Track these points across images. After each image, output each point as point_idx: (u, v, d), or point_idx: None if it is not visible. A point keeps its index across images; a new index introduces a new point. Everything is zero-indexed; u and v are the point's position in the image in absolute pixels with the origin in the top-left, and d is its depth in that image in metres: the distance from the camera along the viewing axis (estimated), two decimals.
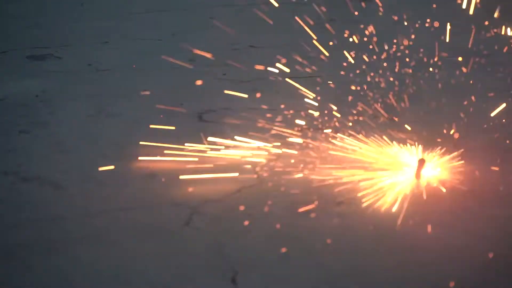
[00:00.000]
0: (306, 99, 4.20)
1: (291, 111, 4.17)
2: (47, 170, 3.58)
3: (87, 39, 5.53)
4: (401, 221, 3.14)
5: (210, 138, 3.80)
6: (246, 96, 4.32)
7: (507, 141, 3.92)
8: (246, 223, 3.15)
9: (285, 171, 3.59)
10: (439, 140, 3.83)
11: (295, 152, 3.75)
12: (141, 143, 3.77)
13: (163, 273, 2.83)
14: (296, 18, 4.94)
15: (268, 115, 4.13)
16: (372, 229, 3.10)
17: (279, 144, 3.81)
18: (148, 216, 3.22)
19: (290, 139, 3.86)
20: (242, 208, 3.25)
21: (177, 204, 3.29)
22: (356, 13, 5.47)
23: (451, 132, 3.93)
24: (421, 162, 3.55)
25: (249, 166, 3.62)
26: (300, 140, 3.85)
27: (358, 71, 4.70)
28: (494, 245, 3.00)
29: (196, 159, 3.67)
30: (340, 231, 3.10)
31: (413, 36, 5.17)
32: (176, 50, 5.03)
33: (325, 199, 3.32)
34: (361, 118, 4.12)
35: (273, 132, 3.94)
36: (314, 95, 4.22)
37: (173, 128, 3.97)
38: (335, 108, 4.12)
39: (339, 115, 4.08)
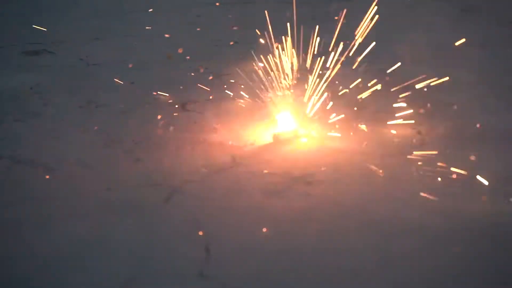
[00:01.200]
0: None
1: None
2: (40, 155, 3.86)
3: (79, 36, 5.80)
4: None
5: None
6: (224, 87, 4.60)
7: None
8: (222, 201, 3.44)
9: (259, 155, 3.87)
10: None
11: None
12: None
13: (143, 243, 3.12)
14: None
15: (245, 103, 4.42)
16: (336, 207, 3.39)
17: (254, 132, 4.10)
18: (131, 195, 3.51)
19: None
20: (218, 188, 3.54)
21: (158, 184, 3.57)
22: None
23: None
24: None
25: (227, 151, 3.90)
26: None
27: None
28: None
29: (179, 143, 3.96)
30: (307, 209, 3.38)
31: None
32: (161, 47, 5.33)
33: (295, 180, 3.61)
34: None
35: (250, 121, 4.24)
36: None
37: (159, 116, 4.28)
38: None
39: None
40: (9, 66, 5.16)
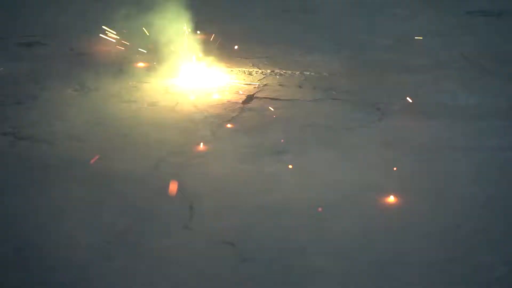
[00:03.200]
0: None
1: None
2: (39, 131, 4.31)
3: (69, 29, 6.24)
4: None
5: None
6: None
7: None
8: (202, 168, 3.91)
9: (234, 129, 4.35)
10: None
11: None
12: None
13: (135, 203, 3.58)
14: None
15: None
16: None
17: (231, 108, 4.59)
18: (122, 164, 3.96)
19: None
20: (199, 156, 4.01)
21: (146, 155, 4.03)
22: None
23: None
24: None
25: (207, 127, 4.37)
26: None
27: None
28: None
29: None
30: (274, 173, 3.86)
31: None
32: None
33: (267, 150, 4.08)
34: None
35: (228, 100, 4.73)
36: None
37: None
38: None
39: None
40: (7, 56, 5.59)
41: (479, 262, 3.13)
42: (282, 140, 4.11)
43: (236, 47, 5.61)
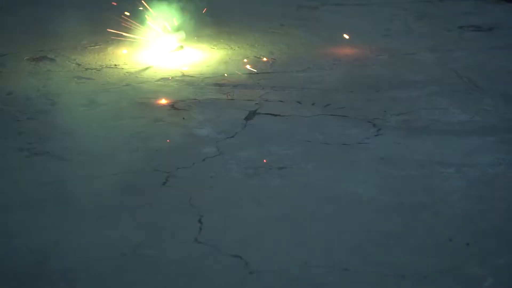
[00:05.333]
0: None
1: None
2: (53, 147, 4.53)
3: (75, 44, 6.45)
4: None
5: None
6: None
7: None
8: (209, 182, 4.14)
9: (239, 145, 4.58)
10: None
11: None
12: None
13: (147, 217, 3.81)
14: None
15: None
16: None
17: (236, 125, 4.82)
18: (134, 179, 4.19)
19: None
20: (206, 172, 4.24)
21: (156, 170, 4.26)
22: None
23: None
24: None
25: (212, 142, 4.60)
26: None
27: None
28: None
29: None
30: (279, 188, 4.10)
31: None
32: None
33: (270, 165, 4.31)
34: None
35: (231, 116, 4.96)
36: None
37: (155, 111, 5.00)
38: None
39: None
40: (16, 71, 5.80)
41: (469, 274, 3.38)
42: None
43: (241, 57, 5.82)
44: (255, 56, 6.15)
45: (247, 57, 6.11)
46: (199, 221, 3.77)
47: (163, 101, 5.19)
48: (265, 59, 6.07)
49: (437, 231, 3.71)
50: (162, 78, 5.64)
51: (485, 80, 5.63)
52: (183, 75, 5.70)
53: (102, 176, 4.20)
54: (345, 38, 6.60)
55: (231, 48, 6.34)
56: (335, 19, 7.30)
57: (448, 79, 5.67)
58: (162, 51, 6.16)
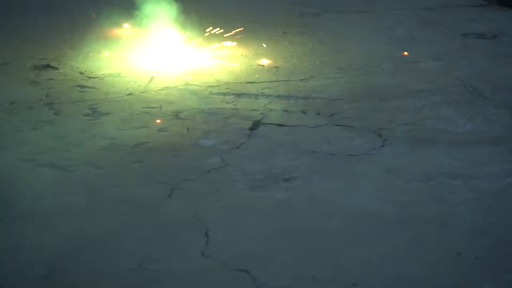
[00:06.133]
0: None
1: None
2: (57, 158, 4.50)
3: (78, 52, 6.42)
4: None
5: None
6: None
7: None
8: (215, 194, 4.11)
9: (244, 156, 4.55)
10: None
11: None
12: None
13: (153, 230, 3.78)
14: None
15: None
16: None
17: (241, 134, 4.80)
18: (138, 191, 4.16)
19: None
20: (211, 184, 4.21)
21: (161, 182, 4.23)
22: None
23: None
24: None
25: (217, 153, 4.57)
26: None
27: None
28: None
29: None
30: (285, 200, 4.07)
31: None
32: None
33: (275, 177, 4.29)
34: None
35: (235, 126, 4.94)
36: None
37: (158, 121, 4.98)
38: None
39: None
40: (19, 79, 5.77)
41: None
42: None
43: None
44: (259, 65, 6.12)
45: (250, 66, 6.08)
46: (206, 234, 3.74)
47: (167, 111, 5.15)
48: (268, 67, 6.03)
49: (445, 245, 3.68)
50: (165, 87, 5.61)
51: (489, 89, 5.60)
52: (187, 84, 5.67)
53: (106, 188, 4.17)
54: (348, 46, 6.57)
55: (235, 56, 6.31)
56: (338, 27, 7.26)
57: (453, 88, 5.63)
58: (166, 57, 6.13)
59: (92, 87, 5.63)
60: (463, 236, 3.75)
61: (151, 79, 5.73)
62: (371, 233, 3.78)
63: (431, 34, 7.06)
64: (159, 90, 5.57)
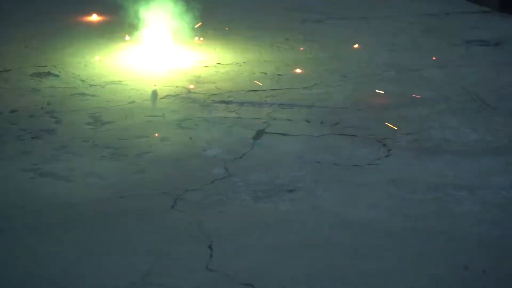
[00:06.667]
0: None
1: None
2: (58, 168, 4.45)
3: (78, 59, 6.39)
4: None
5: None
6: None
7: None
8: (218, 206, 4.06)
9: (247, 166, 4.50)
10: None
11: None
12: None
13: (156, 243, 3.73)
14: None
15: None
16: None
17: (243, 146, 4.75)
18: (141, 202, 4.11)
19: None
20: (215, 195, 4.16)
21: (164, 193, 4.18)
22: None
23: None
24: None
25: (220, 163, 4.52)
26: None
27: None
28: None
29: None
30: (290, 212, 4.03)
31: None
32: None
33: (279, 188, 4.24)
34: None
35: (238, 135, 4.89)
36: None
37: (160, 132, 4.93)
38: None
39: None
40: (20, 87, 5.73)
41: None
42: None
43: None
44: (262, 72, 6.08)
45: (253, 73, 6.04)
46: (210, 247, 3.69)
47: (170, 120, 5.11)
48: (271, 75, 5.99)
49: (452, 258, 3.63)
50: (167, 95, 5.57)
51: (494, 97, 5.57)
52: (189, 92, 5.63)
53: (109, 199, 4.12)
54: (351, 54, 6.53)
55: (237, 63, 6.28)
56: (340, 33, 7.24)
57: (457, 97, 5.60)
58: (167, 64, 6.11)
59: (93, 95, 5.59)
60: (470, 249, 3.70)
61: (154, 84, 5.69)
62: (377, 245, 3.73)
63: (434, 41, 7.04)
64: (162, 98, 5.53)
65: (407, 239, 3.79)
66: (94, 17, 7.47)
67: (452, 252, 3.68)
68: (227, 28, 6.98)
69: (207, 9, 7.11)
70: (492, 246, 3.72)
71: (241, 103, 5.42)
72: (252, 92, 5.66)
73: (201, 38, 6.63)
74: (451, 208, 4.06)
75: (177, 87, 5.75)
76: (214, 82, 5.83)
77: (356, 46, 6.30)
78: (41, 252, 3.65)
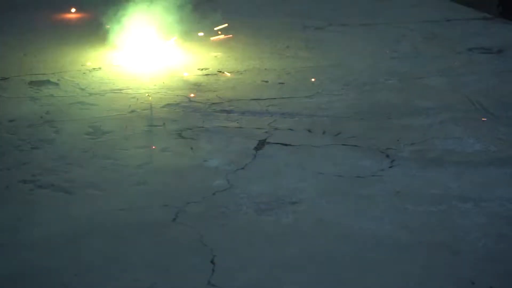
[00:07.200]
0: None
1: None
2: (58, 179, 4.39)
3: (78, 67, 6.33)
4: None
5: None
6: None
7: None
8: (220, 219, 4.00)
9: (249, 177, 4.45)
10: None
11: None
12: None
13: (157, 257, 3.67)
14: None
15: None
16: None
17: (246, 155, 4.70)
18: (142, 214, 4.06)
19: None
20: (217, 207, 4.11)
21: (165, 205, 4.13)
22: None
23: None
24: None
25: (221, 174, 4.46)
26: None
27: None
28: None
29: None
30: (293, 225, 3.97)
31: None
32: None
33: (282, 200, 4.18)
34: None
35: (240, 146, 4.83)
36: None
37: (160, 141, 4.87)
38: None
39: None
40: (18, 95, 5.67)
41: None
42: None
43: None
44: (263, 80, 6.03)
45: (254, 82, 5.99)
46: (212, 261, 3.63)
47: (170, 129, 5.05)
48: (272, 83, 5.94)
49: (458, 273, 3.58)
50: (167, 104, 5.51)
51: (498, 106, 5.51)
52: (189, 101, 5.58)
53: (109, 212, 4.07)
54: (353, 61, 6.48)
55: (238, 71, 6.22)
56: (341, 41, 7.19)
57: (460, 105, 5.54)
58: (167, 71, 6.07)
59: (93, 104, 5.54)
60: (476, 264, 3.64)
61: (154, 92, 5.63)
62: (381, 260, 3.67)
63: (436, 48, 6.99)
64: (162, 107, 5.47)
65: (412, 252, 3.73)
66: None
67: (458, 267, 3.62)
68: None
69: (207, 13, 7.07)
70: (499, 260, 3.67)
71: (243, 112, 5.36)
72: (253, 101, 5.60)
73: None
74: (456, 221, 4.00)
75: (177, 95, 5.68)
76: (215, 91, 5.78)
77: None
78: (40, 267, 3.59)
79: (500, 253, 3.72)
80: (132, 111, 5.39)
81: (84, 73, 6.18)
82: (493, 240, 3.83)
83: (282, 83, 5.98)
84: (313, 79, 5.97)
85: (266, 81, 6.01)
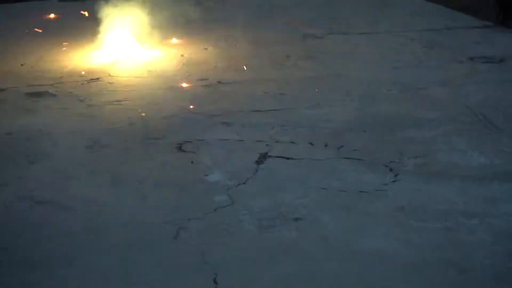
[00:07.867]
0: None
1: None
2: (57, 195, 4.32)
3: (75, 77, 6.26)
4: None
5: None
6: None
7: None
8: (222, 236, 3.93)
9: (251, 193, 4.37)
10: None
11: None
12: None
13: (159, 274, 3.60)
14: None
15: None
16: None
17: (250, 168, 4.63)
18: (143, 232, 3.98)
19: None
20: (218, 224, 4.03)
21: (166, 222, 4.05)
22: None
23: None
24: None
25: (223, 189, 4.39)
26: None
27: None
28: None
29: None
30: (296, 242, 3.90)
31: None
32: None
33: (284, 216, 4.11)
34: None
35: (241, 159, 4.76)
36: None
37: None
38: None
39: None
40: (15, 108, 5.60)
41: None
42: None
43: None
44: (263, 91, 5.96)
45: (254, 93, 5.92)
46: (214, 280, 3.56)
47: (170, 142, 4.98)
48: (273, 94, 5.87)
49: None
50: (167, 116, 5.44)
51: (501, 117, 5.45)
52: (189, 113, 5.50)
53: (109, 229, 4.00)
54: (353, 71, 6.41)
55: (238, 83, 6.15)
56: (342, 50, 7.12)
57: (463, 117, 5.47)
58: (166, 82, 6.00)
59: (92, 116, 5.46)
60: (483, 282, 3.58)
61: (153, 104, 5.56)
62: (386, 278, 3.61)
63: (437, 58, 6.93)
64: (161, 118, 5.39)
65: (418, 270, 3.66)
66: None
67: (465, 285, 3.56)
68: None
69: (207, 23, 7.02)
70: (506, 279, 3.60)
71: (243, 125, 5.29)
72: (254, 112, 5.53)
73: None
74: (462, 238, 3.94)
75: (177, 106, 5.61)
76: (215, 102, 5.70)
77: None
78: (39, 287, 3.51)
79: (508, 272, 3.65)
80: (131, 124, 5.31)
81: (82, 84, 6.10)
82: (500, 258, 3.76)
83: (282, 94, 5.91)
84: (316, 90, 5.90)
85: (267, 92, 5.94)
